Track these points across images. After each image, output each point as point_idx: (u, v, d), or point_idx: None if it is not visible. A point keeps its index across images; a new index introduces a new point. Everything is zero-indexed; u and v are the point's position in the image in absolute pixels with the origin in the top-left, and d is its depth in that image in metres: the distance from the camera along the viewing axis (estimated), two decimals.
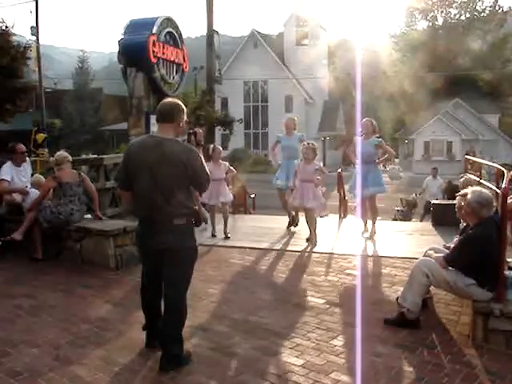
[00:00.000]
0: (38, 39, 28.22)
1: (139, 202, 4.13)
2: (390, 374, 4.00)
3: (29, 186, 8.12)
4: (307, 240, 8.37)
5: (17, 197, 8.02)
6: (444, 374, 4.01)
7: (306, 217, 8.53)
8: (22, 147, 8.30)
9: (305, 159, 8.20)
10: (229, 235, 8.84)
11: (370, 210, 8.94)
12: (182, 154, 3.99)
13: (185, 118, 4.24)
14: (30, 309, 5.50)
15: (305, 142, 8.50)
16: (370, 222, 8.89)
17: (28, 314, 5.35)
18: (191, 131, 9.35)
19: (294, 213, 9.45)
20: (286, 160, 9.36)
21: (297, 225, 9.51)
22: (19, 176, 8.13)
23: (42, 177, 8.35)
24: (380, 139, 8.78)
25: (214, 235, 8.86)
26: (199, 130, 10.11)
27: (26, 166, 8.39)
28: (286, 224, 9.54)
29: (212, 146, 9.20)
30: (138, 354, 4.35)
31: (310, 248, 7.99)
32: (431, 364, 4.17)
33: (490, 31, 55.30)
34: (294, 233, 9.16)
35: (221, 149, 9.12)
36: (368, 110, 53.96)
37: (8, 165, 8.09)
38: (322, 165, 8.45)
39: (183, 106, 4.20)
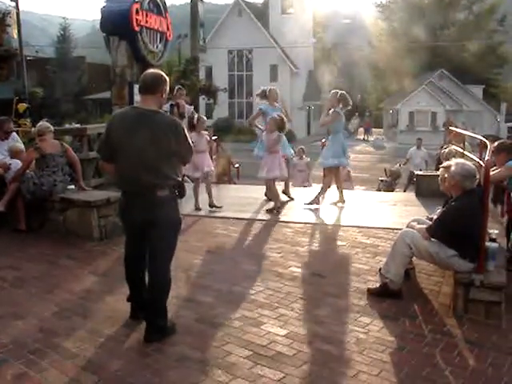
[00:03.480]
0: (17, 5, 27.58)
1: (122, 176, 4.09)
2: (372, 344, 4.07)
3: (9, 160, 7.95)
4: (268, 211, 8.41)
5: None
6: (425, 343, 4.10)
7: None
8: (9, 126, 8.17)
9: (269, 129, 8.37)
10: (218, 205, 8.74)
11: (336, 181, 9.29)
12: (166, 128, 3.96)
13: (167, 89, 4.19)
14: (14, 280, 5.48)
15: (275, 114, 8.56)
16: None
17: (12, 286, 5.33)
18: (173, 103, 9.24)
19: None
20: None
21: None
22: (1, 150, 8.00)
23: (19, 144, 8.19)
24: (337, 110, 8.65)
25: (198, 208, 8.61)
26: (182, 102, 9.98)
27: (10, 141, 8.23)
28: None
29: (196, 115, 9.00)
30: (122, 325, 4.37)
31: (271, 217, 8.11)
32: (413, 334, 4.26)
33: (475, 1, 55.08)
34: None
35: (205, 119, 8.95)
36: (353, 80, 53.98)
37: None
38: (281, 134, 8.43)
39: (166, 77, 4.14)
